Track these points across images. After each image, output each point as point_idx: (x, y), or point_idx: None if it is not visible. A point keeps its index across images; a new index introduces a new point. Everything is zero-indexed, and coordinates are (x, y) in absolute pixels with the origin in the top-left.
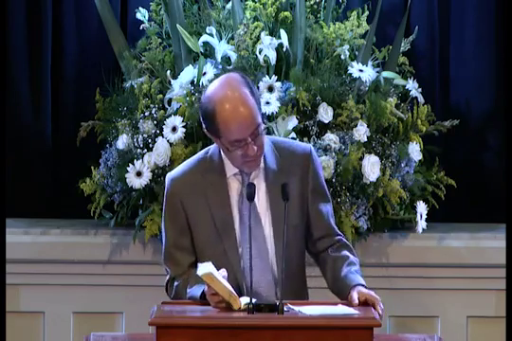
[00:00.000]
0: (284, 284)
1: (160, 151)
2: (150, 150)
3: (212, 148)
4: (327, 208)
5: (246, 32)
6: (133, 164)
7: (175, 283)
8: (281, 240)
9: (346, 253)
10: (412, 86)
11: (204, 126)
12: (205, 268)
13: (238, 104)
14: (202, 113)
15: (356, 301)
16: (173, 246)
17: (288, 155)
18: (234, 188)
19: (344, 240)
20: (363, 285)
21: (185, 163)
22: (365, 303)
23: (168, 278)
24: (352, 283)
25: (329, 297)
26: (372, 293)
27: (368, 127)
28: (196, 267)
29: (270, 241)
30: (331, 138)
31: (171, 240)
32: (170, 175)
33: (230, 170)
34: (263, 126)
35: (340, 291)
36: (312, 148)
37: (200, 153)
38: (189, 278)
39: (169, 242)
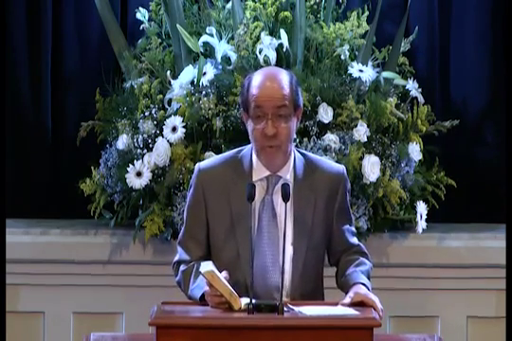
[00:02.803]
0: (298, 287)
1: (160, 151)
2: (150, 150)
3: (245, 149)
4: (350, 228)
5: (246, 32)
6: (133, 164)
7: (181, 268)
8: (299, 253)
9: (358, 256)
10: (412, 86)
11: (240, 106)
12: (207, 266)
13: (272, 76)
14: (240, 90)
15: (347, 302)
16: (188, 234)
17: (320, 173)
18: (257, 193)
19: (362, 247)
20: (364, 284)
21: (217, 157)
22: (362, 304)
23: (176, 259)
24: (352, 281)
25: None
26: (369, 295)
27: (368, 127)
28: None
29: (288, 247)
30: (331, 138)
31: (187, 227)
32: (199, 165)
33: (257, 174)
34: (294, 119)
35: (343, 288)
36: (345, 169)
37: (233, 151)
38: (196, 265)
39: (185, 229)
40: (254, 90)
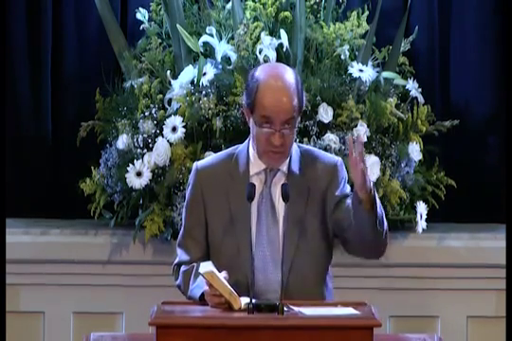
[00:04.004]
0: (294, 286)
1: (160, 151)
2: (150, 150)
3: (242, 145)
4: None
5: (246, 32)
6: (133, 164)
7: (182, 268)
8: (291, 242)
9: None
10: (412, 86)
11: (244, 102)
12: (206, 267)
13: (280, 81)
14: (246, 87)
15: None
16: (188, 234)
17: (314, 164)
18: (255, 186)
19: None
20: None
21: (214, 156)
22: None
23: (176, 261)
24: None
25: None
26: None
27: (368, 127)
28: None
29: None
30: (331, 138)
31: (186, 227)
32: (197, 164)
33: (255, 168)
34: (296, 128)
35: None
36: (340, 161)
37: (230, 149)
38: (196, 265)
39: (184, 229)
40: (262, 98)
